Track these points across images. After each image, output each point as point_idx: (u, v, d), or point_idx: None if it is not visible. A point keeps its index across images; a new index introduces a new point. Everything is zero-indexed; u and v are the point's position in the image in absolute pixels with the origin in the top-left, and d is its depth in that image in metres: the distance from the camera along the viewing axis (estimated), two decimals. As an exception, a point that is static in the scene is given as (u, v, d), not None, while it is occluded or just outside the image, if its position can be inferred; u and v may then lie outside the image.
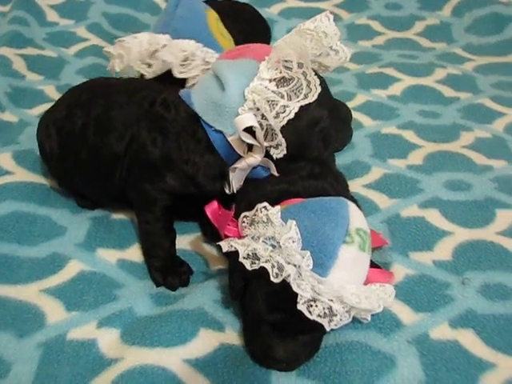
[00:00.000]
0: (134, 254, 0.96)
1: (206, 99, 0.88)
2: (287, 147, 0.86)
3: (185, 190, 0.90)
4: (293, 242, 0.75)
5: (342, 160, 1.12)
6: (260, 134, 0.85)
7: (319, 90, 0.85)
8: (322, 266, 0.74)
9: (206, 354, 0.80)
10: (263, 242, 0.77)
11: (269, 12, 1.65)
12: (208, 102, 0.87)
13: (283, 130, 0.85)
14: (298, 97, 0.85)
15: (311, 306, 0.72)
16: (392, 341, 0.82)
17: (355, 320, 0.84)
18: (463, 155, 1.18)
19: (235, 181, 0.91)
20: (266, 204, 0.80)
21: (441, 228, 1.01)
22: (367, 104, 1.32)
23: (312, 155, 0.90)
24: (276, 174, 0.89)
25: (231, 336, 0.82)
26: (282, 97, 0.85)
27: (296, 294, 0.72)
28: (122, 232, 1.00)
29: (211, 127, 0.87)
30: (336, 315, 0.73)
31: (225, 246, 0.80)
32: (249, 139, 0.86)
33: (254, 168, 0.91)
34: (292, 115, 0.84)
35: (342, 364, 0.79)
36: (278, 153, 0.86)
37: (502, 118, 1.30)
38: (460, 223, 1.02)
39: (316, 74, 0.89)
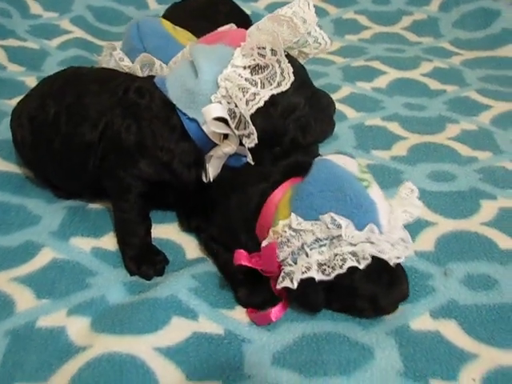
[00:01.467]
0: (109, 242, 0.93)
1: (180, 86, 0.86)
2: (262, 134, 0.83)
3: (160, 178, 0.88)
4: (344, 226, 0.73)
5: (324, 151, 1.08)
6: (231, 123, 0.83)
7: (292, 78, 0.83)
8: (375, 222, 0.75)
9: (178, 342, 0.77)
10: (313, 249, 0.75)
11: (255, 6, 1.64)
12: (182, 89, 0.86)
13: (258, 117, 0.83)
14: (271, 84, 0.83)
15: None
16: (370, 333, 0.80)
17: (334, 312, 0.82)
18: (448, 147, 1.17)
19: (212, 169, 0.89)
20: (282, 223, 0.76)
21: (424, 218, 0.99)
22: (351, 96, 1.31)
23: (288, 143, 0.88)
24: (252, 162, 0.87)
25: (205, 324, 0.80)
26: (255, 84, 0.83)
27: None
28: (97, 221, 0.97)
29: (185, 115, 0.86)
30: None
31: (292, 281, 0.75)
32: (220, 128, 0.84)
33: (231, 156, 0.89)
34: (261, 103, 0.82)
35: (318, 353, 0.77)
36: (250, 142, 0.84)
37: (489, 111, 1.28)
38: (444, 214, 1.00)
39: (295, 61, 0.88)
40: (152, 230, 0.94)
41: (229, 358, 0.76)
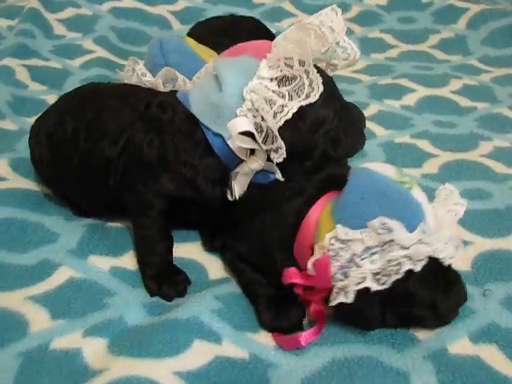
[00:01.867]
0: (129, 261, 0.90)
1: (203, 100, 0.83)
2: (291, 149, 0.80)
3: (182, 194, 0.85)
4: (396, 228, 0.69)
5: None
6: (258, 137, 0.79)
7: (321, 89, 0.80)
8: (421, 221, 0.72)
9: (200, 366, 0.73)
10: (364, 259, 0.71)
11: (279, 26, 1.63)
12: (206, 103, 0.83)
13: (286, 131, 0.79)
14: (299, 96, 0.80)
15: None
16: (406, 357, 0.74)
17: (366, 334, 0.77)
18: (482, 164, 1.11)
19: (238, 186, 0.85)
20: (328, 236, 0.72)
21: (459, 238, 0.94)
22: (380, 114, 1.27)
23: (318, 157, 0.84)
24: (281, 178, 0.83)
25: (228, 348, 0.75)
26: (283, 96, 0.80)
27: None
28: (117, 239, 0.93)
29: (209, 130, 0.82)
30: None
31: (347, 295, 0.71)
32: (246, 143, 0.80)
33: (258, 173, 0.85)
34: (290, 115, 0.79)
35: (350, 379, 0.71)
36: (278, 157, 0.80)
37: (522, 128, 1.23)
38: (480, 233, 0.95)
39: (323, 73, 0.85)
40: (174, 249, 0.90)
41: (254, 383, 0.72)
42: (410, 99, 1.33)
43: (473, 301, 0.82)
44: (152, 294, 0.85)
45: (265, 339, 0.78)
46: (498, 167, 1.10)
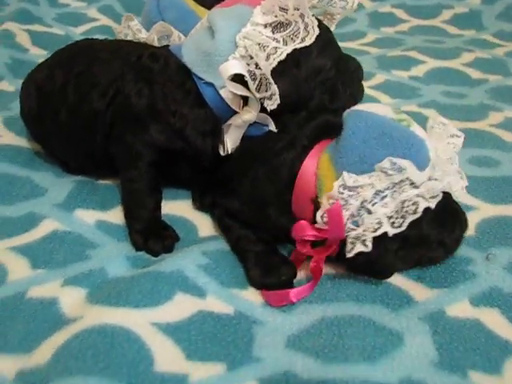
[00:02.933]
0: (116, 215, 0.86)
1: (196, 49, 0.80)
2: (285, 98, 0.76)
3: (171, 145, 0.81)
4: (408, 166, 0.66)
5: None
6: (251, 84, 0.76)
7: (317, 31, 0.77)
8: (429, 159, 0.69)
9: (180, 319, 0.69)
10: (375, 204, 0.67)
11: None
12: (198, 52, 0.80)
13: (280, 79, 0.76)
14: (294, 42, 0.76)
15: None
16: (400, 317, 0.70)
17: (359, 293, 0.73)
18: (490, 133, 1.06)
19: (230, 140, 0.82)
20: (336, 184, 0.69)
21: (463, 203, 0.88)
22: (386, 83, 1.23)
23: (314, 108, 0.81)
24: (274, 129, 0.80)
25: (212, 303, 0.72)
26: (278, 42, 0.76)
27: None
28: (106, 195, 0.90)
29: (201, 79, 0.79)
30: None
31: (365, 244, 0.68)
32: (239, 90, 0.77)
33: (251, 125, 0.82)
34: (283, 56, 0.75)
35: (339, 337, 0.67)
36: (272, 104, 0.77)
37: (536, 100, 1.18)
38: (485, 199, 0.90)
39: (320, 23, 0.81)
40: (164, 207, 0.87)
41: (236, 339, 0.67)
42: (418, 70, 1.28)
43: (475, 265, 0.77)
44: (138, 249, 0.81)
45: (252, 296, 0.74)
46: (508, 136, 1.05)
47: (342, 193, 0.69)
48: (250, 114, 0.79)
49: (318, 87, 0.80)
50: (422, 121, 1.07)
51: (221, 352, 0.66)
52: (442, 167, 0.73)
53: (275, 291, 0.74)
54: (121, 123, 0.83)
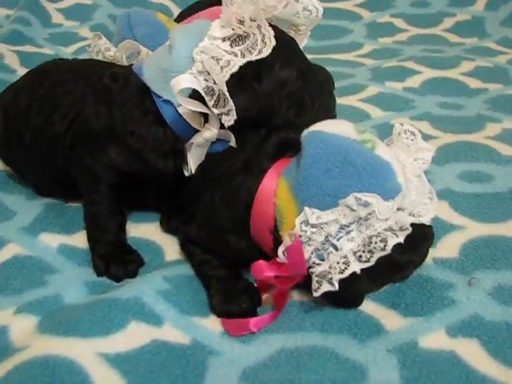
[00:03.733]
0: (81, 239, 0.82)
1: (155, 67, 0.77)
2: (244, 113, 0.73)
3: (131, 167, 0.78)
4: (375, 202, 0.62)
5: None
6: (207, 98, 0.73)
7: (274, 42, 0.73)
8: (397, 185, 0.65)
9: (131, 349, 0.65)
10: (340, 239, 0.63)
11: (282, 12, 1.56)
12: (157, 69, 0.77)
13: (240, 94, 0.73)
14: (251, 54, 0.73)
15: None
16: (367, 348, 0.64)
17: (326, 322, 0.68)
18: (486, 146, 0.99)
19: (192, 159, 0.78)
20: (298, 221, 0.64)
21: (448, 222, 0.83)
22: (378, 96, 1.17)
23: (280, 122, 0.76)
24: (235, 145, 0.76)
25: (168, 332, 0.67)
26: (236, 56, 0.73)
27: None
28: (73, 217, 0.87)
29: (160, 97, 0.76)
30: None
31: (332, 283, 0.64)
32: (194, 106, 0.74)
33: (214, 143, 0.78)
34: (236, 68, 0.71)
35: (297, 371, 0.62)
36: (229, 119, 0.73)
37: (537, 110, 1.10)
38: (474, 217, 0.83)
39: (284, 34, 0.78)
40: (131, 229, 0.84)
41: (186, 372, 0.63)
42: (414, 81, 1.22)
43: (455, 290, 0.71)
44: (99, 274, 0.78)
45: (213, 325, 0.69)
46: (504, 149, 0.98)
47: (305, 230, 0.64)
48: (210, 132, 0.76)
49: (284, 101, 0.76)
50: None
51: (168, 385, 0.62)
52: (412, 194, 0.67)
53: (235, 319, 0.69)
54: (80, 145, 0.80)
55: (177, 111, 0.76)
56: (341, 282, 0.64)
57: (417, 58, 1.32)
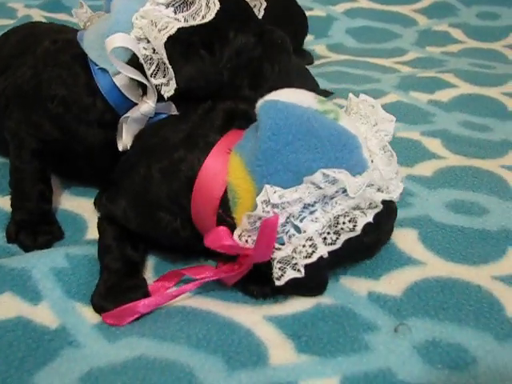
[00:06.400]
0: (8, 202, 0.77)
1: (95, 33, 0.72)
2: (191, 84, 0.66)
3: (50, 135, 0.73)
4: (344, 178, 0.55)
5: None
6: (146, 66, 0.66)
7: (218, 6, 0.65)
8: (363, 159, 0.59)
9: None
10: (303, 219, 0.56)
11: (332, 9, 1.44)
12: (96, 35, 0.72)
13: (186, 64, 0.66)
14: (195, 20, 0.66)
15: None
16: (232, 381, 0.53)
17: (204, 337, 0.58)
18: (496, 175, 0.83)
19: (127, 134, 0.72)
20: (260, 200, 0.56)
21: (407, 254, 0.68)
22: (395, 104, 1.03)
23: (240, 95, 0.69)
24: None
25: (41, 312, 0.61)
26: (179, 22, 0.66)
27: None
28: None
29: (97, 65, 0.71)
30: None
31: (299, 270, 0.57)
32: (130, 73, 0.67)
33: (154, 117, 0.71)
34: (174, 30, 0.64)
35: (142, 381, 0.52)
36: (169, 90, 0.66)
37: None
38: (441, 254, 0.69)
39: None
40: (66, 202, 0.80)
41: (28, 357, 0.56)
42: (444, 95, 1.06)
43: (376, 334, 0.58)
44: (9, 241, 0.73)
45: (92, 315, 0.62)
46: (517, 183, 0.81)
47: (268, 212, 0.56)
48: (146, 105, 0.69)
49: (241, 71, 0.69)
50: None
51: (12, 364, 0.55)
52: (379, 168, 0.60)
53: (120, 307, 0.61)
54: (10, 107, 0.76)
55: (113, 81, 0.70)
56: (308, 271, 0.56)
57: (459, 71, 1.15)
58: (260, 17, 0.77)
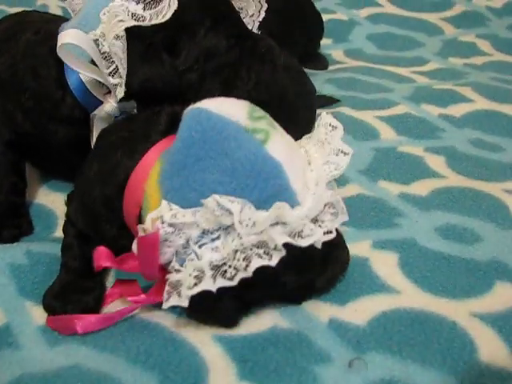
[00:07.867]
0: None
1: (70, 26, 0.69)
2: (148, 86, 0.62)
3: (21, 127, 0.71)
4: (236, 211, 0.50)
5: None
6: (102, 64, 0.63)
7: (175, 6, 0.61)
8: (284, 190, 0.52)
9: None
10: (202, 245, 0.52)
11: (355, 14, 1.38)
12: (68, 27, 0.69)
13: (145, 64, 0.62)
14: (157, 18, 0.62)
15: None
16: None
17: (151, 355, 0.54)
18: (498, 199, 0.76)
19: (96, 132, 0.69)
20: (151, 216, 0.52)
21: (382, 280, 0.63)
22: (403, 116, 0.96)
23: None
24: None
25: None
26: (144, 20, 0.63)
27: None
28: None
29: None
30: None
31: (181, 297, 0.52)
32: (88, 71, 0.66)
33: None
34: (120, 30, 0.61)
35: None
36: (120, 91, 0.63)
37: None
38: (419, 284, 0.63)
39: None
40: (42, 196, 0.79)
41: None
42: (457, 109, 0.99)
43: (328, 367, 0.53)
44: (-29, 230, 0.72)
45: (41, 316, 0.59)
46: (519, 210, 0.74)
47: (164, 228, 0.51)
48: (109, 105, 0.68)
49: (209, 74, 0.64)
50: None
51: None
52: (304, 206, 0.52)
53: (62, 316, 0.58)
54: None
55: (80, 78, 0.68)
56: (203, 297, 0.51)
57: (478, 84, 1.08)
58: (259, 19, 0.73)
